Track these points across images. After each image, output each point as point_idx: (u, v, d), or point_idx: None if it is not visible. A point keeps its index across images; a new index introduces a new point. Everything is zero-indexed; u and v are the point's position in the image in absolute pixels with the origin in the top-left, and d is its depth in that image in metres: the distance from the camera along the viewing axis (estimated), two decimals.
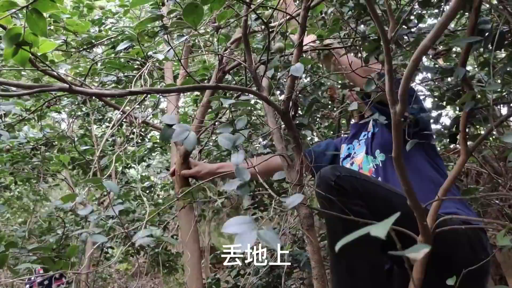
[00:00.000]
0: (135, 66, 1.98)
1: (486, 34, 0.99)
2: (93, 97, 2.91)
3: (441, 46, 1.21)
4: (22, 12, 0.87)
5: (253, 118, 2.59)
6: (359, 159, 1.70)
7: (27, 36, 0.87)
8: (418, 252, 0.54)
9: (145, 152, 3.55)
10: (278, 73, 1.39)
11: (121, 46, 1.34)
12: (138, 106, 1.73)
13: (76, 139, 3.39)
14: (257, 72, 1.28)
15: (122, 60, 1.93)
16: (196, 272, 1.98)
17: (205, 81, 1.97)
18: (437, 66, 1.16)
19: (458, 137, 1.15)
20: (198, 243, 2.09)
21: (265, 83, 1.40)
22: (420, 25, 1.30)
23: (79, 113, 3.19)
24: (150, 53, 1.69)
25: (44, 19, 0.87)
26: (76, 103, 2.86)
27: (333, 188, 1.23)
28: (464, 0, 0.77)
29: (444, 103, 1.37)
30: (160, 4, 1.28)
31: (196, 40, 2.02)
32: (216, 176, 1.98)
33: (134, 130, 3.14)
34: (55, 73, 1.05)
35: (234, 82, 2.20)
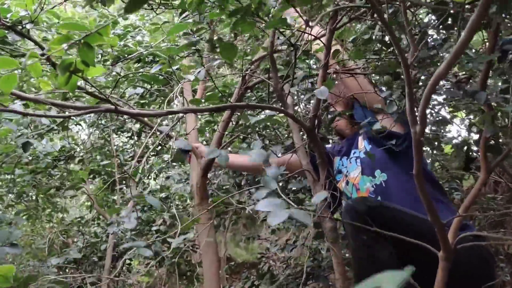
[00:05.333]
0: (163, 79, 2.03)
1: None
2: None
3: (461, 73, 1.24)
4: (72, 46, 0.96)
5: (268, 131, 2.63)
6: (355, 178, 1.69)
7: (78, 65, 0.96)
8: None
9: (163, 165, 3.58)
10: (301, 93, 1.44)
11: (154, 69, 1.40)
12: (159, 121, 1.79)
13: (96, 151, 3.47)
14: (282, 90, 1.33)
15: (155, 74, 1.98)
16: (214, 283, 2.01)
17: (225, 97, 2.04)
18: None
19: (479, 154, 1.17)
20: (217, 255, 2.12)
21: (289, 100, 1.44)
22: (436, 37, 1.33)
23: (99, 123, 3.27)
24: (174, 68, 1.74)
25: (93, 50, 0.97)
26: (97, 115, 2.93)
27: (363, 218, 1.26)
28: (477, 27, 0.80)
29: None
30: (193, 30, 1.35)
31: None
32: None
33: (158, 142, 3.22)
34: (102, 95, 1.11)
35: (254, 98, 2.25)
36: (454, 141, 2.49)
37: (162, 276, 3.77)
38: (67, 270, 3.41)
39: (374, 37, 1.29)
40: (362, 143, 1.72)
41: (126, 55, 2.04)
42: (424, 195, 1.00)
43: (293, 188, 2.81)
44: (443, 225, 1.05)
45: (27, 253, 3.68)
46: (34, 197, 3.36)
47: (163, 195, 3.55)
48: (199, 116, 3.14)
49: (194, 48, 1.31)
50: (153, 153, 3.72)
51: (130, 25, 2.45)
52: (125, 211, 1.29)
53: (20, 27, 1.59)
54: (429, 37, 1.33)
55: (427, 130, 2.80)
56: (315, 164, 1.44)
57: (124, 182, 3.50)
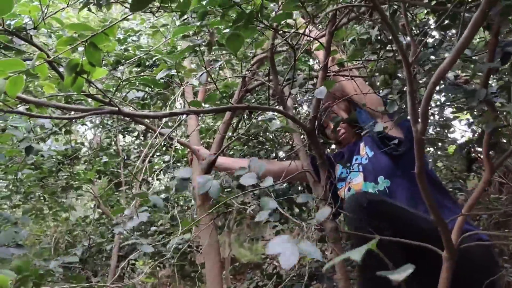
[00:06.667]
0: (163, 82, 2.04)
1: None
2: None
3: (461, 72, 1.24)
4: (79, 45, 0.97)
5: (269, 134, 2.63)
6: (357, 185, 1.70)
7: (84, 66, 0.97)
8: (401, 274, 0.54)
9: (164, 164, 3.57)
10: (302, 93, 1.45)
11: (160, 75, 1.42)
12: (161, 123, 1.80)
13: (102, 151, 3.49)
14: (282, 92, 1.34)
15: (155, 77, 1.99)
16: (217, 285, 2.01)
17: (226, 99, 2.04)
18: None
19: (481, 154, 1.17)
20: (219, 256, 2.12)
21: (289, 102, 1.45)
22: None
23: (105, 123, 3.30)
24: (172, 71, 1.76)
25: (99, 51, 0.98)
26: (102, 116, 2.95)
27: (364, 211, 1.27)
28: (480, 24, 0.80)
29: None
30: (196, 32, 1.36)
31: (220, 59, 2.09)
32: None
33: (160, 144, 3.23)
34: (106, 98, 1.12)
35: (253, 100, 2.26)
36: (458, 141, 2.49)
37: (166, 276, 3.78)
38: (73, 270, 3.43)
39: (372, 37, 1.29)
40: (364, 150, 1.72)
41: (124, 60, 2.05)
42: (426, 194, 1.00)
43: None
44: (446, 225, 1.04)
45: (33, 253, 3.71)
46: (40, 197, 3.39)
47: (163, 195, 3.53)
48: (200, 120, 3.15)
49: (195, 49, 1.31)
50: (158, 154, 3.74)
51: (130, 29, 2.46)
52: (128, 210, 1.30)
53: (24, 32, 1.60)
54: (429, 38, 1.33)
55: (431, 131, 2.79)
56: (316, 165, 1.44)
57: (128, 183, 3.52)
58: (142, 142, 3.68)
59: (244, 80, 1.65)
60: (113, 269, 3.09)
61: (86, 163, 3.41)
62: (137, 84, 2.20)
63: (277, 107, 1.61)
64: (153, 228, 3.06)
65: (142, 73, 2.06)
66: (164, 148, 3.69)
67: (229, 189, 2.79)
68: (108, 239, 3.42)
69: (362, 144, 1.73)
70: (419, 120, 0.94)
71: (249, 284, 3.16)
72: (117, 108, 0.97)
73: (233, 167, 1.99)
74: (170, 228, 3.30)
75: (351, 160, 1.77)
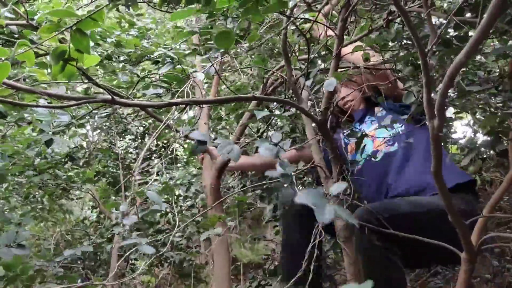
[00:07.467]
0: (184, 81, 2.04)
1: None
2: (119, 110, 3.03)
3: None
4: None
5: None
6: (372, 132, 1.67)
7: (72, 53, 0.95)
8: None
9: (190, 178, 3.47)
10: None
11: (163, 69, 1.40)
12: (175, 119, 1.79)
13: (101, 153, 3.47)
14: (296, 84, 1.32)
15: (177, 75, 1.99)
16: (226, 283, 1.99)
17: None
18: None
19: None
20: (229, 254, 2.10)
21: (304, 95, 1.43)
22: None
23: (105, 125, 3.28)
24: (190, 70, 1.76)
25: (87, 37, 0.95)
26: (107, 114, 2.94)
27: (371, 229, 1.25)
28: (498, 14, 0.77)
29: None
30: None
31: (230, 60, 2.09)
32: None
33: (163, 143, 3.20)
34: (101, 85, 1.09)
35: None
36: (461, 141, 2.49)
37: (167, 277, 3.76)
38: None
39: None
40: (379, 110, 1.71)
41: (148, 56, 2.04)
42: (443, 194, 0.95)
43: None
44: (466, 226, 1.00)
45: (34, 254, 3.68)
46: (40, 199, 3.36)
47: (188, 203, 3.46)
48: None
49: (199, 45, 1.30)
50: (156, 156, 3.72)
51: (143, 27, 2.47)
52: (123, 206, 1.24)
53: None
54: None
55: None
56: (327, 159, 1.42)
57: (126, 185, 3.49)
58: (140, 144, 3.66)
59: (265, 84, 1.63)
60: (113, 269, 3.07)
61: (85, 165, 3.39)
62: (151, 81, 2.19)
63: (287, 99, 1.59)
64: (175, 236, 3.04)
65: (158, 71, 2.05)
66: (163, 150, 3.67)
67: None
68: (108, 239, 3.40)
69: (376, 108, 1.71)
70: (436, 114, 0.87)
71: (251, 283, 3.14)
72: (110, 97, 0.94)
73: (246, 163, 1.99)
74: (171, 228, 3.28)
75: (363, 120, 1.75)
